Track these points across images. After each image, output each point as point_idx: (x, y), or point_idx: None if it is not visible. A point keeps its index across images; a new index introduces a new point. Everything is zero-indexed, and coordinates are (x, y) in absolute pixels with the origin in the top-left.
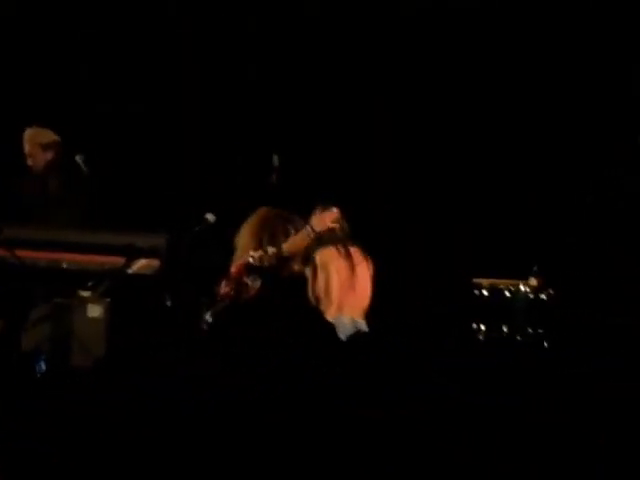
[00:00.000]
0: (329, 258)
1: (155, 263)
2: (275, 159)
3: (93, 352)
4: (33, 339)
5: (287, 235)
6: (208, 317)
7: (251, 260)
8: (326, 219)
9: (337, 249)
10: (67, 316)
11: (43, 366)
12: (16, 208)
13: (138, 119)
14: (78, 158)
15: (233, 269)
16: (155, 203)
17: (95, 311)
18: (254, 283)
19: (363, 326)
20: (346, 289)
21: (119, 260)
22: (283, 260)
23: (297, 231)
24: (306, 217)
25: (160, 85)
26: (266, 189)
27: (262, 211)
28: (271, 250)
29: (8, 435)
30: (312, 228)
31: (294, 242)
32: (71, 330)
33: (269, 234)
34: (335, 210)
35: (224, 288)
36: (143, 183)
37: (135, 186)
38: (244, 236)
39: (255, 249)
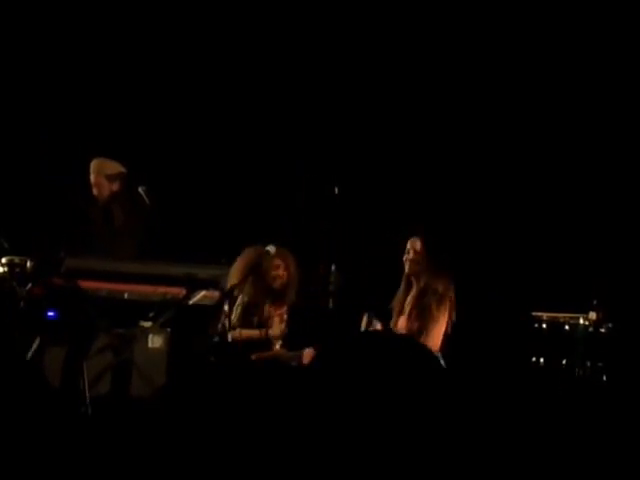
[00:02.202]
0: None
1: (215, 294)
2: (336, 189)
3: (153, 382)
4: (95, 369)
5: (273, 270)
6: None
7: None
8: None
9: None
10: (128, 346)
11: (89, 410)
12: (81, 237)
13: (200, 152)
14: (141, 190)
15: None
16: (217, 235)
17: (156, 341)
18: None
19: (442, 361)
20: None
21: (180, 291)
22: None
23: (285, 263)
24: None
25: (220, 119)
26: (327, 217)
27: (246, 252)
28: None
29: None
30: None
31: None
32: (132, 360)
33: (253, 272)
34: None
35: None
36: (205, 215)
37: (197, 218)
38: (231, 276)
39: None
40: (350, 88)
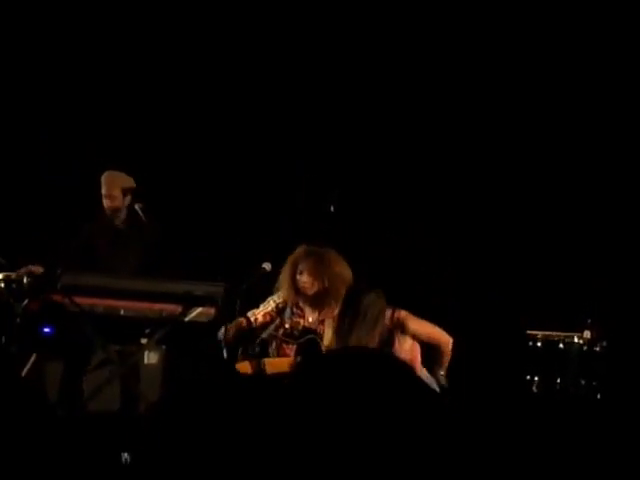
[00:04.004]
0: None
1: (211, 311)
2: (332, 207)
3: (148, 399)
4: (90, 385)
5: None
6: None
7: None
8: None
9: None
10: (124, 363)
11: (85, 425)
12: (82, 249)
13: (197, 156)
14: (137, 207)
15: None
16: (213, 251)
17: (152, 358)
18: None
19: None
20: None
21: (176, 308)
22: None
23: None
24: None
25: (219, 122)
26: (322, 234)
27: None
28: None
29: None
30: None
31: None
32: (127, 377)
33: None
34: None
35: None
36: (201, 231)
37: (193, 234)
38: None
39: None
40: (350, 89)
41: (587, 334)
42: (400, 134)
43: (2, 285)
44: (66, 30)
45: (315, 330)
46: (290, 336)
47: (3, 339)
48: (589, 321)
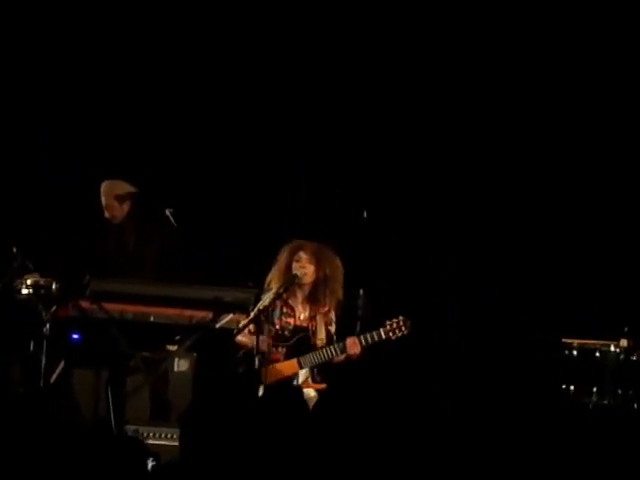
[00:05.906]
0: None
1: (242, 317)
2: (365, 213)
3: (179, 406)
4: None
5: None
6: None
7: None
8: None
9: None
10: (154, 370)
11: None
12: (96, 259)
13: (196, 170)
14: (167, 212)
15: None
16: (213, 252)
17: (182, 365)
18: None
19: None
20: None
21: (206, 314)
22: None
23: (316, 259)
24: None
25: (219, 137)
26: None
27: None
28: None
29: None
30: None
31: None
32: (157, 384)
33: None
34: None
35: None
36: (201, 232)
37: (193, 234)
38: None
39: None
40: (350, 89)
41: (624, 342)
42: (400, 134)
43: (31, 291)
44: (66, 30)
45: (306, 327)
46: (280, 338)
47: (32, 346)
48: (626, 329)
